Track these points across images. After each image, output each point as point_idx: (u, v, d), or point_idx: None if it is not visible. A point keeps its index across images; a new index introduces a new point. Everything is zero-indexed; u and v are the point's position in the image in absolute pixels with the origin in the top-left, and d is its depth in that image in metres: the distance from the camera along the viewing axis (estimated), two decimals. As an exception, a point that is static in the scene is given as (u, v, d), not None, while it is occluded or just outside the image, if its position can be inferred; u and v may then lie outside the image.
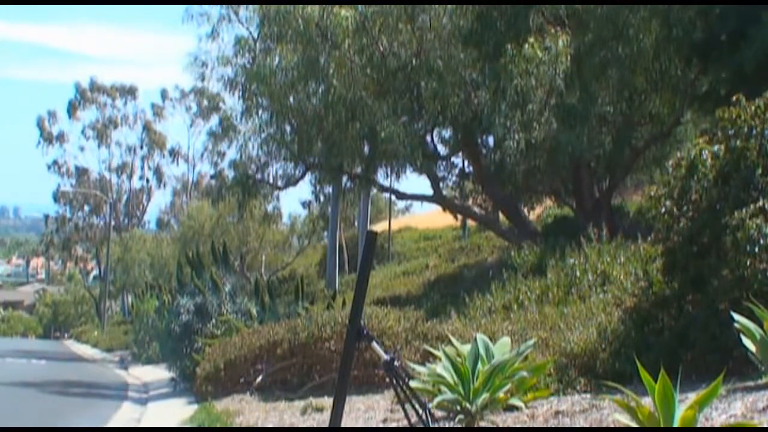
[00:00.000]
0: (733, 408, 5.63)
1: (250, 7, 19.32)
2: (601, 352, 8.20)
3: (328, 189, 23.23)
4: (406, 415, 4.24)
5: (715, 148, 7.84)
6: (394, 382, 4.09)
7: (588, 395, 7.62)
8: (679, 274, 7.94)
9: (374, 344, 4.05)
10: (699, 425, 5.03)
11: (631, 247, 12.41)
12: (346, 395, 4.18)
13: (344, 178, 20.25)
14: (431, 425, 4.07)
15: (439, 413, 7.34)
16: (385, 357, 4.05)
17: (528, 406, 7.38)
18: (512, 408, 7.32)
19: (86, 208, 59.66)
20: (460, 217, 27.02)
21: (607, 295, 10.44)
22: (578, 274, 12.31)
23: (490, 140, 18.83)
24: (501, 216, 21.99)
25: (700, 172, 7.80)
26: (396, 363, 4.07)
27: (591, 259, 12.69)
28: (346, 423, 7.94)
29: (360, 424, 8.17)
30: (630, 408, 5.09)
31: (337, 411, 4.09)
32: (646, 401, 5.09)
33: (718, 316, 7.17)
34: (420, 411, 4.07)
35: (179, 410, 12.57)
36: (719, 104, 9.63)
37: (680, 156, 8.38)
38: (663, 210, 8.02)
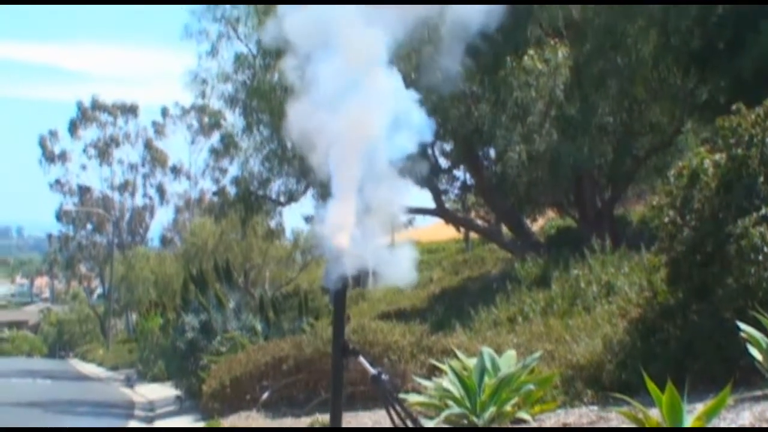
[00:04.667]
0: (742, 418, 5.62)
1: (249, 23, 19.33)
2: (607, 363, 8.18)
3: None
4: (394, 425, 4.23)
5: (717, 156, 7.85)
6: (382, 395, 4.09)
7: (595, 407, 7.60)
8: (683, 284, 7.93)
9: (361, 359, 4.06)
10: (707, 436, 5.02)
11: (634, 257, 12.39)
12: (342, 409, 4.18)
13: (346, 193, 20.18)
14: None
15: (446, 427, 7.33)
16: (372, 371, 4.06)
17: (535, 418, 7.36)
18: (520, 421, 7.30)
19: (89, 226, 59.65)
20: (462, 229, 27.01)
21: (612, 306, 10.41)
22: (582, 285, 12.28)
23: (491, 152, 18.83)
24: (504, 228, 21.96)
25: (702, 181, 7.81)
26: (384, 377, 4.07)
27: (595, 270, 12.67)
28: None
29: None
30: (638, 419, 5.09)
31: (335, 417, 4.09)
32: (654, 412, 5.09)
33: (723, 326, 7.14)
34: (410, 424, 4.06)
35: (186, 427, 12.56)
36: (719, 113, 9.62)
37: (682, 165, 8.38)
38: (666, 219, 8.02)
